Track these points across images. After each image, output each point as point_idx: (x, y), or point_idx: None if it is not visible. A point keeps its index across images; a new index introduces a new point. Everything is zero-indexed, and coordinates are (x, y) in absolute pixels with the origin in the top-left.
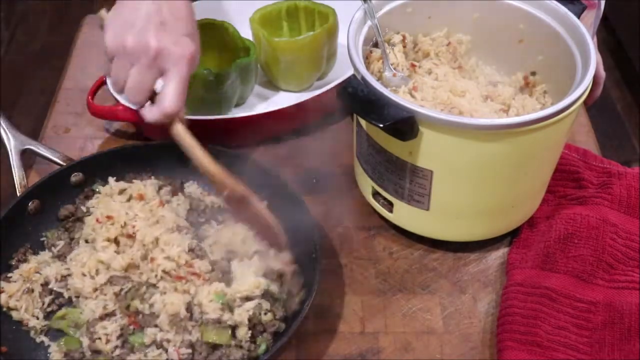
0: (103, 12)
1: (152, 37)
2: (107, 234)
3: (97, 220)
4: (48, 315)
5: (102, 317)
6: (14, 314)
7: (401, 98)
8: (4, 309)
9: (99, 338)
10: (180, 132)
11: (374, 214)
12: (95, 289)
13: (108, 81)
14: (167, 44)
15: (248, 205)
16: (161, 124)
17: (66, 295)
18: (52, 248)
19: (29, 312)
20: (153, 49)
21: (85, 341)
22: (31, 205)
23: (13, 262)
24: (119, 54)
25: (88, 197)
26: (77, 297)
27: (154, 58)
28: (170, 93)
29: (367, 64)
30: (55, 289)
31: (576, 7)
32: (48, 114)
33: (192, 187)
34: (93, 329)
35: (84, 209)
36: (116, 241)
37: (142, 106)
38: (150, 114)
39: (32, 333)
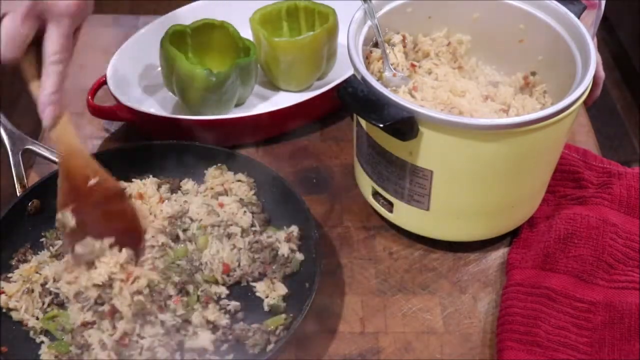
0: None
1: None
2: None
3: None
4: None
5: (85, 325)
6: (14, 314)
7: (401, 98)
8: (4, 310)
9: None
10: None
11: (374, 214)
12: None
13: None
14: None
15: (115, 202)
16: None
17: (62, 296)
18: (51, 247)
19: (29, 313)
20: None
21: (73, 348)
22: (31, 205)
23: (13, 262)
24: None
25: None
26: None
27: (31, 7)
28: (48, 55)
29: (367, 64)
30: (52, 289)
31: (576, 7)
32: None
33: (188, 184)
34: (78, 336)
35: None
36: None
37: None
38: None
39: (31, 333)
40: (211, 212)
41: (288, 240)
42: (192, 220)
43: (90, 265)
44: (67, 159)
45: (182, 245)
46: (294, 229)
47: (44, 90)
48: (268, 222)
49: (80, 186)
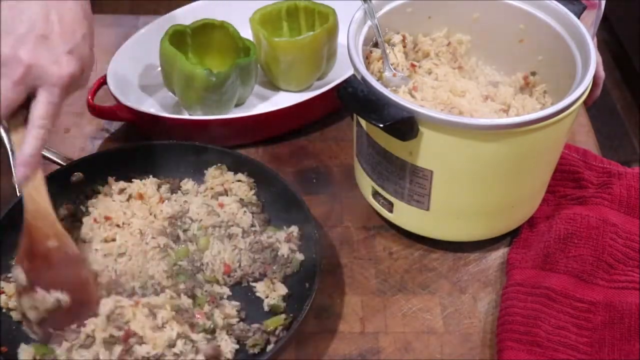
0: None
1: (27, 51)
2: (105, 234)
3: (94, 220)
4: None
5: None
6: (14, 315)
7: (401, 98)
8: (4, 310)
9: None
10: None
11: (374, 214)
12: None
13: None
14: (43, 61)
15: (70, 266)
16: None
17: None
18: None
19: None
20: (24, 64)
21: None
22: None
23: (13, 262)
24: None
25: (88, 197)
26: None
27: (24, 75)
28: (31, 133)
29: (367, 64)
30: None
31: (576, 7)
32: None
33: (188, 184)
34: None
35: (83, 208)
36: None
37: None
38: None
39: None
40: (211, 212)
41: (288, 240)
42: (192, 220)
43: (41, 320)
44: (33, 217)
45: (183, 246)
46: (294, 229)
47: (22, 151)
48: (268, 222)
49: (40, 245)
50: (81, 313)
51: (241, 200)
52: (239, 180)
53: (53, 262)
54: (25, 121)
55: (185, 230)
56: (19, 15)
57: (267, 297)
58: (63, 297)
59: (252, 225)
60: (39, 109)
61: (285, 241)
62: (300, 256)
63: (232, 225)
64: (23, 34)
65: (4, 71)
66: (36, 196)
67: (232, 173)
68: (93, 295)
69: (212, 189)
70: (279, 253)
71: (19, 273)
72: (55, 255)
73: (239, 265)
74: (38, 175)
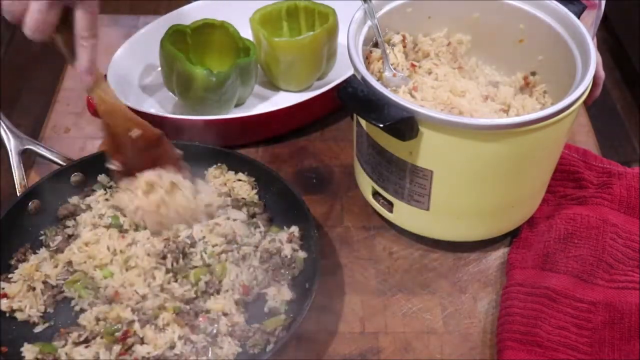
0: None
1: None
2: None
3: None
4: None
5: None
6: (19, 315)
7: (401, 98)
8: (7, 314)
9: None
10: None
11: (374, 214)
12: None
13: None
14: None
15: (157, 146)
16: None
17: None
18: (50, 243)
19: (33, 311)
20: None
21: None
22: (31, 205)
23: (12, 262)
24: None
25: (88, 197)
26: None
27: None
28: (82, 31)
29: (367, 64)
30: (52, 283)
31: (576, 7)
32: (48, 114)
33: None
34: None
35: (83, 207)
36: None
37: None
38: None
39: (35, 330)
40: (213, 230)
41: (290, 240)
42: (196, 240)
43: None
44: (109, 116)
45: (200, 268)
46: (295, 229)
47: (80, 62)
48: (271, 221)
49: (124, 138)
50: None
51: (243, 199)
52: (239, 180)
53: (139, 146)
54: (69, 36)
55: (188, 255)
56: None
57: (273, 300)
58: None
59: (257, 226)
60: (81, 22)
61: (287, 241)
62: (302, 254)
63: (243, 245)
64: None
65: None
66: (105, 96)
67: (233, 173)
68: (177, 160)
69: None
70: (282, 254)
71: (114, 165)
72: (140, 141)
73: (256, 283)
74: (100, 79)
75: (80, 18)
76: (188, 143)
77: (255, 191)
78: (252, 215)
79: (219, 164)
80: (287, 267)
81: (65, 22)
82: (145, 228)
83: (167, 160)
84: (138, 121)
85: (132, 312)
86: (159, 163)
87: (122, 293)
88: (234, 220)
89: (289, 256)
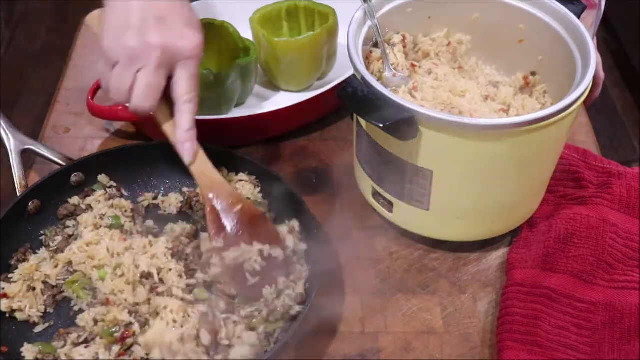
0: (93, 15)
1: (154, 34)
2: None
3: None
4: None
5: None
6: (19, 315)
7: (401, 98)
8: (7, 315)
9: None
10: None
11: (374, 214)
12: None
13: (109, 90)
14: (172, 39)
15: (259, 224)
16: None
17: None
18: (50, 243)
19: (33, 311)
20: (157, 48)
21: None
22: (31, 205)
23: (12, 262)
24: (121, 58)
25: (88, 197)
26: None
27: (161, 57)
28: (183, 94)
29: (367, 64)
30: (52, 283)
31: (576, 7)
32: (48, 114)
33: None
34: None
35: (83, 207)
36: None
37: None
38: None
39: (36, 330)
40: None
41: (291, 232)
42: None
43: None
44: (211, 190)
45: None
46: (295, 223)
47: (180, 128)
48: (275, 220)
49: (226, 212)
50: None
51: (248, 199)
52: (241, 180)
53: (243, 224)
54: (168, 109)
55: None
56: (128, 10)
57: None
58: (265, 247)
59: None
60: (182, 85)
61: (288, 233)
62: (303, 246)
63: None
64: (141, 23)
65: (142, 61)
66: (205, 169)
67: (234, 174)
68: (281, 243)
69: None
70: (286, 244)
71: (217, 242)
72: (242, 218)
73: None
74: (200, 150)
75: (181, 80)
76: None
77: (258, 190)
78: None
79: (219, 168)
80: (291, 264)
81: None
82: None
83: (271, 238)
84: (239, 196)
85: (129, 314)
86: (263, 240)
87: (112, 300)
88: None
89: (291, 247)
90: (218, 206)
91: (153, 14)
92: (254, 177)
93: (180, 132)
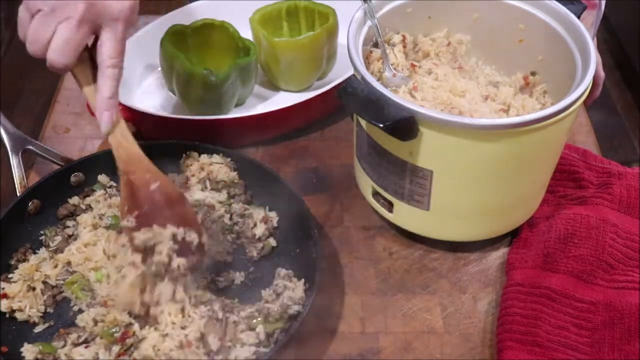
0: None
1: None
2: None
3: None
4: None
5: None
6: (19, 315)
7: (401, 98)
8: (7, 315)
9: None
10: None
11: (374, 214)
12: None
13: (26, 40)
14: None
15: (176, 205)
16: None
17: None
18: (50, 243)
19: (33, 311)
20: (82, 2)
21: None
22: (31, 205)
23: (12, 262)
24: (43, 7)
25: (88, 197)
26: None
27: (85, 12)
28: (107, 59)
29: (367, 64)
30: (52, 283)
31: (576, 7)
32: (48, 114)
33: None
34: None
35: (83, 207)
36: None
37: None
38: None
39: (36, 330)
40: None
41: (264, 221)
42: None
43: (149, 252)
44: (128, 164)
45: None
46: (273, 214)
47: (101, 94)
48: (250, 203)
49: (142, 190)
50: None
51: (224, 182)
52: (217, 163)
53: (159, 203)
54: (91, 68)
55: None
56: None
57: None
58: (179, 231)
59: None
60: (107, 47)
61: (261, 221)
62: (273, 242)
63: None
64: None
65: (65, 13)
66: (125, 142)
67: (206, 156)
68: (200, 231)
69: (193, 176)
70: (254, 232)
71: (130, 222)
72: (158, 196)
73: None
74: (121, 121)
75: (106, 42)
76: (188, 143)
77: (235, 172)
78: (232, 197)
79: (187, 153)
80: (252, 245)
81: (88, 52)
82: None
83: (188, 221)
84: (158, 173)
85: (128, 314)
86: (179, 223)
87: (110, 303)
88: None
89: (257, 236)
90: (134, 182)
91: None
92: (229, 159)
93: (100, 98)
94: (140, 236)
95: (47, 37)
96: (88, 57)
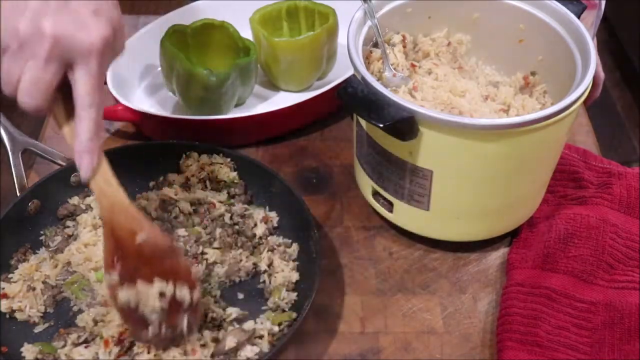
0: None
1: (48, 20)
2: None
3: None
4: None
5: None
6: (19, 315)
7: (401, 98)
8: (7, 315)
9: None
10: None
11: (374, 214)
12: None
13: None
14: (69, 29)
15: (165, 258)
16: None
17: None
18: (50, 243)
19: (33, 311)
20: (48, 37)
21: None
22: (31, 205)
23: (12, 262)
24: (11, 44)
25: (88, 197)
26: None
27: (52, 49)
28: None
29: (367, 64)
30: (52, 283)
31: (576, 7)
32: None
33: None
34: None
35: (83, 207)
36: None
37: (43, 111)
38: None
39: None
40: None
41: (265, 221)
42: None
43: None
44: (112, 213)
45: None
46: (273, 214)
47: (79, 137)
48: (250, 203)
49: (127, 242)
50: (182, 310)
51: (224, 182)
52: (217, 163)
53: (147, 255)
54: (69, 108)
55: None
56: None
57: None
58: (168, 288)
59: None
60: (81, 85)
61: (261, 221)
62: (276, 239)
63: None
64: (39, 5)
65: (29, 51)
66: (108, 189)
67: (206, 156)
68: (194, 286)
69: (193, 176)
70: (255, 231)
71: (112, 279)
72: (146, 248)
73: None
74: (103, 164)
75: (79, 80)
76: (188, 143)
77: (235, 173)
78: (232, 197)
79: (187, 153)
80: (247, 239)
81: (67, 90)
82: None
83: (178, 274)
84: (145, 223)
85: None
86: (168, 277)
87: (110, 303)
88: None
89: (258, 236)
90: (116, 233)
91: None
92: (229, 159)
93: (78, 141)
94: (123, 294)
95: (16, 77)
96: (66, 95)
